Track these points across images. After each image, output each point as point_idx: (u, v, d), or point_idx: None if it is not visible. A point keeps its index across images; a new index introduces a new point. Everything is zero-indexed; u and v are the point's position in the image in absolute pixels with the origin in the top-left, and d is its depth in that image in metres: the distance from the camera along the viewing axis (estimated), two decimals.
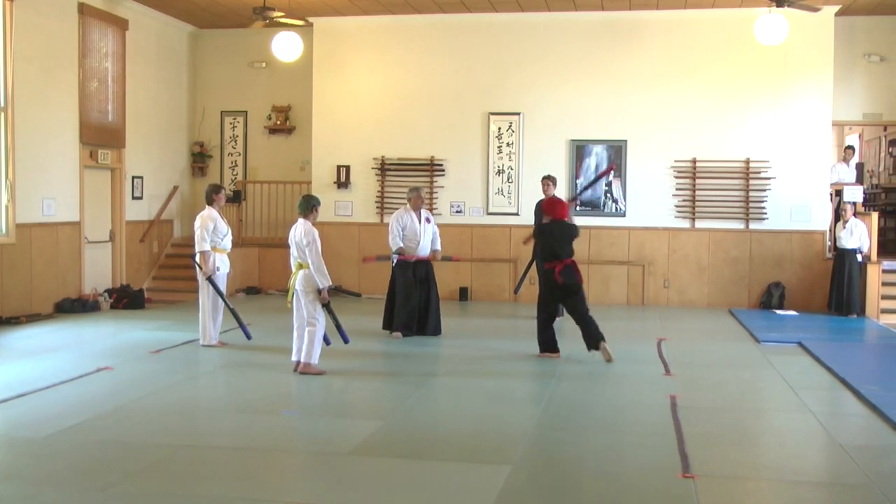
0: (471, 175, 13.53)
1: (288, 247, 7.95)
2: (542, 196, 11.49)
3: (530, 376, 8.12)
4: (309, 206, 7.82)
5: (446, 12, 13.28)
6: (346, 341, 8.00)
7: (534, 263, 11.51)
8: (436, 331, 9.82)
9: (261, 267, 14.24)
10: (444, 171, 13.56)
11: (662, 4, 12.62)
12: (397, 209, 10.10)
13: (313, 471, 5.33)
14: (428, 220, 9.82)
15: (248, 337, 9.02)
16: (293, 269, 7.78)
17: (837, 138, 15.81)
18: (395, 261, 9.71)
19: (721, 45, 12.86)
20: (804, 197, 12.72)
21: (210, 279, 8.96)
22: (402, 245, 9.62)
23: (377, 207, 13.77)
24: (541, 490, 4.86)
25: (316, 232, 7.66)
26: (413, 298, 9.62)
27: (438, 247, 9.93)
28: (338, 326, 7.89)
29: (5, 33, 10.61)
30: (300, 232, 7.65)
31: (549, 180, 11.42)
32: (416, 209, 9.72)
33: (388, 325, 9.82)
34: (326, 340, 7.92)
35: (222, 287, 9.11)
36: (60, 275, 11.59)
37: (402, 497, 4.74)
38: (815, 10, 10.99)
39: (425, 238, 9.71)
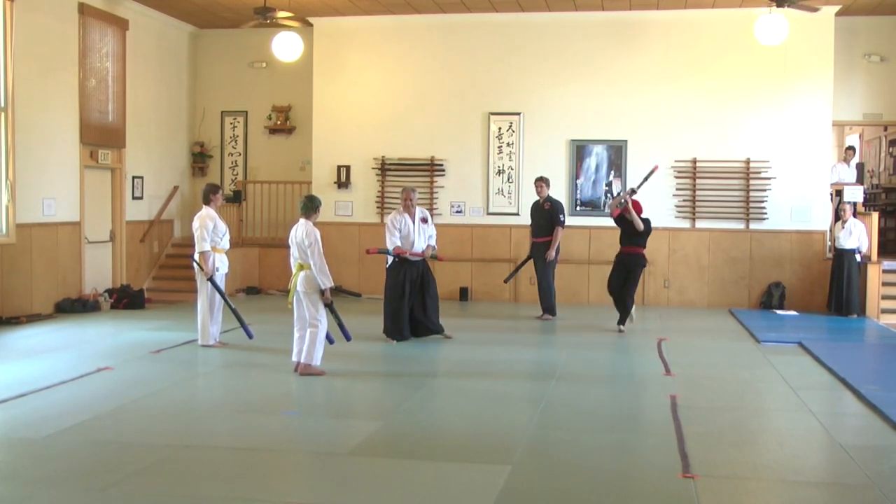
0: (471, 175, 13.54)
1: (288, 247, 7.94)
2: (538, 197, 11.51)
3: (530, 376, 8.13)
4: (312, 206, 7.80)
5: (446, 12, 13.28)
6: (348, 339, 8.00)
7: (529, 260, 11.58)
8: (437, 328, 9.75)
9: (261, 267, 14.24)
10: (444, 171, 13.57)
11: (662, 4, 12.62)
12: (391, 212, 10.02)
13: (313, 471, 5.33)
14: (424, 220, 9.69)
15: (250, 336, 9.01)
16: (293, 270, 7.77)
17: (838, 138, 15.82)
18: (389, 261, 9.66)
19: (721, 45, 12.86)
20: (804, 197, 12.73)
21: (210, 279, 8.96)
22: (398, 244, 9.55)
23: (377, 207, 13.77)
24: (541, 490, 4.86)
25: (318, 232, 7.64)
26: (400, 303, 9.49)
27: (434, 243, 9.80)
28: (340, 324, 7.90)
29: (6, 33, 10.61)
30: (301, 232, 7.64)
31: (542, 182, 11.45)
32: (407, 210, 9.62)
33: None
34: (329, 339, 7.92)
35: (222, 287, 9.11)
36: (60, 275, 11.60)
37: (402, 497, 4.74)
38: (814, 10, 10.98)
39: (419, 239, 9.61)
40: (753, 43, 11.82)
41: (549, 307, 11.36)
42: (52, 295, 11.45)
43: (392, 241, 9.50)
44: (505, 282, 12.18)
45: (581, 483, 5.00)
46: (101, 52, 12.42)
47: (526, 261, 11.75)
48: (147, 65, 13.66)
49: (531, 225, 11.62)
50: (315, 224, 7.80)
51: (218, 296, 9.06)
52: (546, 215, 11.27)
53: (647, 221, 10.35)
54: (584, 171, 13.21)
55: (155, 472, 5.08)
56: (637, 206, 10.36)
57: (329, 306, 7.72)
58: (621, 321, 10.52)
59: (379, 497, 4.75)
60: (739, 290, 12.90)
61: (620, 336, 10.26)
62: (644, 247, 10.49)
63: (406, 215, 9.58)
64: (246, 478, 5.01)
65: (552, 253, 11.20)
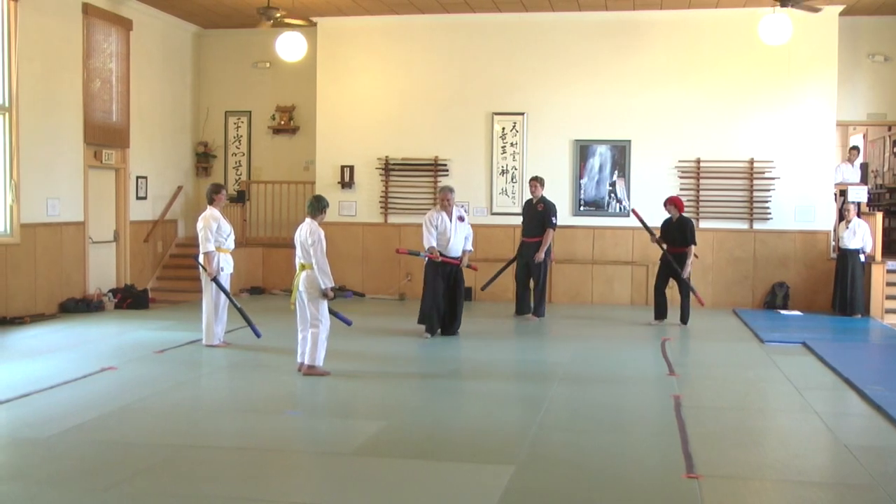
0: (474, 175, 13.53)
1: (292, 247, 7.94)
2: (531, 196, 11.51)
3: (534, 377, 8.12)
4: (319, 206, 7.81)
5: (450, 12, 13.27)
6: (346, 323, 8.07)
7: (511, 264, 11.57)
8: (456, 330, 9.92)
9: (265, 267, 14.25)
10: (447, 171, 13.56)
11: (666, 4, 12.61)
12: (428, 210, 10.23)
13: (317, 471, 5.34)
14: (461, 219, 9.88)
15: (258, 335, 9.00)
16: (297, 270, 7.77)
17: (841, 138, 15.80)
18: (425, 259, 9.76)
19: (725, 45, 12.85)
20: (808, 197, 12.71)
21: (215, 279, 8.96)
22: (434, 245, 9.65)
23: (381, 208, 13.77)
24: (544, 490, 4.86)
25: (322, 232, 7.65)
26: (436, 301, 9.68)
27: (470, 247, 9.97)
28: (335, 312, 7.91)
29: (10, 33, 10.62)
30: (305, 231, 7.65)
31: (536, 181, 11.44)
32: (445, 209, 9.75)
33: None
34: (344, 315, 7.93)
35: (227, 287, 9.11)
36: (64, 275, 11.61)
37: (406, 497, 4.74)
38: (817, 10, 10.96)
39: (456, 237, 9.75)
40: (757, 43, 11.80)
41: (539, 309, 11.31)
42: (55, 295, 11.47)
43: (428, 240, 9.63)
44: (483, 289, 12.12)
45: (585, 483, 5.00)
46: (105, 53, 12.44)
47: (508, 265, 11.73)
48: (151, 65, 13.67)
49: (522, 224, 11.62)
50: (321, 224, 7.80)
51: (223, 295, 9.06)
52: (538, 216, 11.25)
53: (688, 225, 10.93)
54: (588, 171, 13.20)
55: (159, 471, 5.09)
56: (679, 202, 11.08)
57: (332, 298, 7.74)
58: (682, 319, 11.00)
59: (382, 497, 4.75)
60: (743, 290, 12.89)
61: (623, 336, 10.26)
62: (688, 245, 10.89)
63: (443, 213, 9.76)
64: (249, 478, 5.02)
65: (541, 255, 11.17)
